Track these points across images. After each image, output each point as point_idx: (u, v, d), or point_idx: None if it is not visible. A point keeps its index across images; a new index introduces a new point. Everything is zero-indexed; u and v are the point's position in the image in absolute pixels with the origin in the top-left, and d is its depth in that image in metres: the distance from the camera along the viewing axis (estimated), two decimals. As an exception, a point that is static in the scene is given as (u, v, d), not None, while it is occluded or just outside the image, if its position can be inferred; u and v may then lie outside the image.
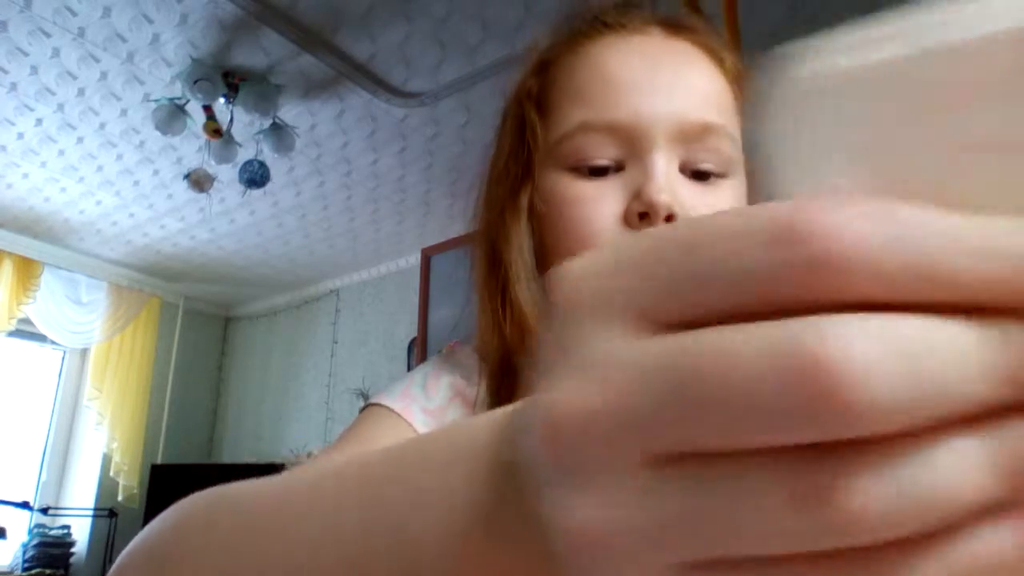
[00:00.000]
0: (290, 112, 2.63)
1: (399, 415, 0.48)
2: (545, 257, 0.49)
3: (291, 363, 4.42)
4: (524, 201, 0.49)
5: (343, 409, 3.95)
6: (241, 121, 2.57)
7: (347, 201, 3.39)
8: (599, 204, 0.45)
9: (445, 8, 2.14)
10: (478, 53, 2.34)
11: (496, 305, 0.49)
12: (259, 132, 2.64)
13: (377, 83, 2.48)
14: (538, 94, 0.51)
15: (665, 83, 0.46)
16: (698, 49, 0.49)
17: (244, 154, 2.68)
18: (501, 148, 0.53)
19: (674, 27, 0.50)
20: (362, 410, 0.51)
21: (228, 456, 4.48)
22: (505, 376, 0.49)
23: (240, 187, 2.73)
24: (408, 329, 3.77)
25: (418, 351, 3.52)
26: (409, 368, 3.71)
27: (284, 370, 4.45)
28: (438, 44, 2.31)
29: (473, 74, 2.44)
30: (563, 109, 0.48)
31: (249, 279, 4.38)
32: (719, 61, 0.49)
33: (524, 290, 0.48)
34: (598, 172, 0.46)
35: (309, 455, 3.51)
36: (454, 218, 3.54)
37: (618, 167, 0.46)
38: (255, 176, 2.65)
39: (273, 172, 2.75)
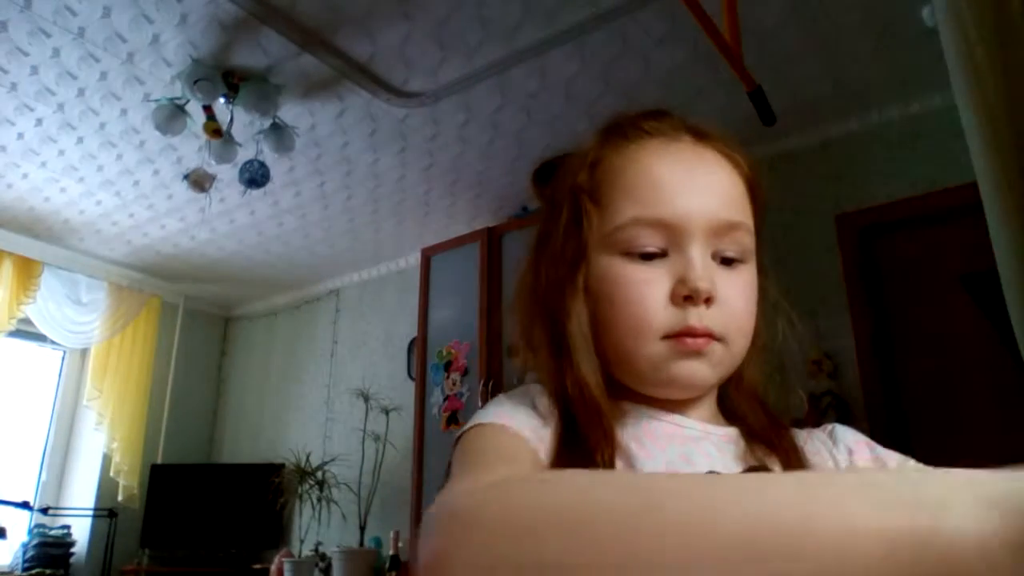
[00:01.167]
0: (290, 112, 2.64)
1: (518, 433, 0.52)
2: (598, 327, 0.58)
3: (291, 363, 4.42)
4: (581, 281, 0.58)
5: (343, 409, 3.95)
6: (241, 121, 2.57)
7: (347, 201, 3.39)
8: (650, 286, 0.55)
9: (445, 8, 2.14)
10: (478, 53, 2.34)
11: (556, 367, 0.58)
12: (259, 132, 2.64)
13: (377, 83, 2.48)
14: (590, 188, 0.60)
15: (701, 187, 0.57)
16: (721, 157, 0.60)
17: (244, 154, 2.67)
18: (554, 233, 0.61)
19: (700, 135, 0.60)
20: (466, 431, 0.54)
21: (228, 456, 4.48)
22: (568, 424, 0.56)
23: (240, 187, 2.73)
24: (408, 329, 3.77)
25: (418, 351, 3.52)
26: (409, 368, 3.71)
27: (284, 370, 4.45)
28: (438, 44, 2.31)
29: (473, 74, 2.44)
30: (616, 204, 0.58)
31: (249, 279, 4.38)
32: (737, 165, 0.60)
33: (585, 361, 0.57)
34: (647, 257, 0.56)
35: (309, 456, 3.51)
36: (454, 218, 3.55)
37: (662, 253, 0.56)
38: (255, 176, 2.65)
39: (273, 172, 2.75)
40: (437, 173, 3.14)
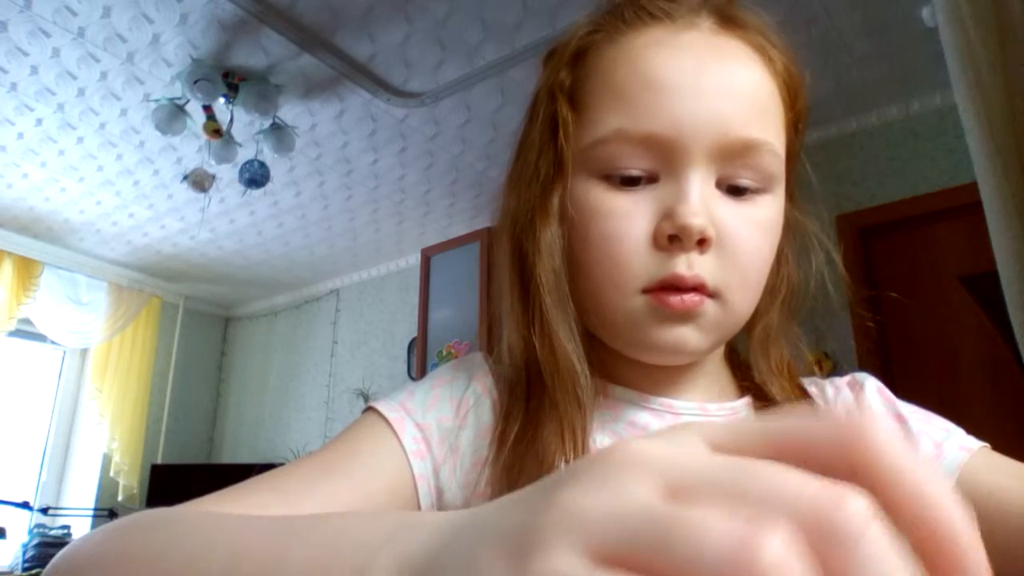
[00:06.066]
0: (290, 112, 2.63)
1: (391, 427, 0.46)
2: (573, 264, 0.46)
3: (291, 363, 4.42)
4: (555, 204, 0.46)
5: (343, 409, 3.95)
6: (241, 121, 2.57)
7: (347, 201, 3.39)
8: (629, 221, 0.43)
9: (445, 8, 2.14)
10: (478, 53, 2.34)
11: (523, 312, 0.47)
12: (259, 132, 2.64)
13: (377, 83, 2.48)
14: (572, 87, 0.47)
15: (710, 90, 0.43)
16: (749, 48, 0.46)
17: (244, 154, 2.67)
18: (530, 143, 0.49)
19: (726, 20, 0.46)
20: (364, 411, 0.49)
21: (228, 456, 4.48)
22: (532, 388, 0.46)
23: (240, 187, 2.73)
24: (408, 329, 3.77)
25: (418, 351, 3.52)
26: (409, 368, 3.71)
27: (284, 370, 4.45)
28: (438, 44, 2.31)
29: (473, 74, 2.44)
30: (599, 109, 0.45)
31: (249, 279, 4.38)
32: (769, 62, 0.46)
33: (556, 307, 0.45)
34: (630, 182, 0.43)
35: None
36: (454, 218, 3.55)
37: (651, 178, 0.43)
38: (255, 176, 2.65)
39: (273, 172, 2.75)
40: (437, 173, 3.14)
